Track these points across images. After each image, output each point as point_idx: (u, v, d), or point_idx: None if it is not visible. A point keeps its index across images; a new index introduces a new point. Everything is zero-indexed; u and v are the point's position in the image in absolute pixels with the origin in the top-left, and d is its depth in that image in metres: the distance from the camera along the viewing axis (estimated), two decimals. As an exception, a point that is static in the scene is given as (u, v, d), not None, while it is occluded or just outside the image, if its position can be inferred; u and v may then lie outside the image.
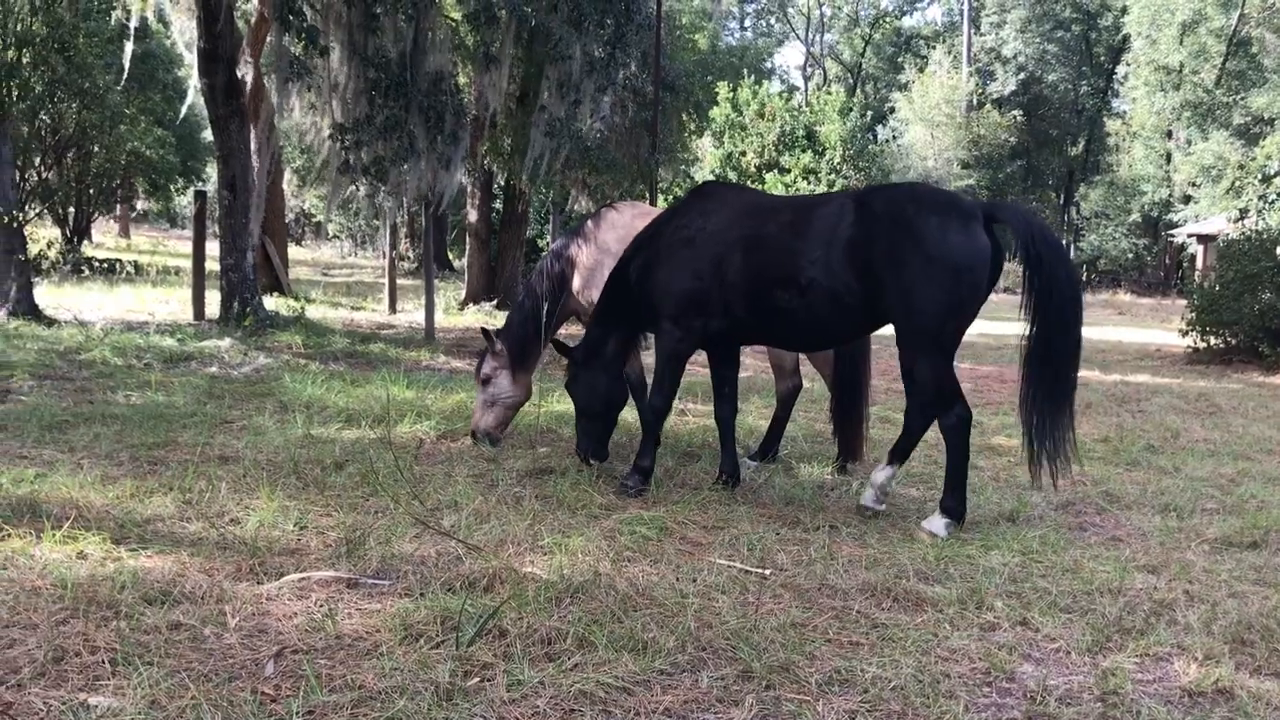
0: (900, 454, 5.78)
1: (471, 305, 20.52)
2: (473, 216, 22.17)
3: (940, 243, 5.17)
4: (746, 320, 5.86)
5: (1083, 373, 13.46)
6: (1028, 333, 5.29)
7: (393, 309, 18.91)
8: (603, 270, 6.96)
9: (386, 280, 19.77)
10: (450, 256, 38.24)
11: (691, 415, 8.64)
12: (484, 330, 7.36)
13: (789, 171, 33.49)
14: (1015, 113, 51.33)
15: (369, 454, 6.58)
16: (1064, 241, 55.51)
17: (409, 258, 34.47)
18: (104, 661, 3.40)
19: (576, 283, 7.26)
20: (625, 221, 7.18)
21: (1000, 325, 19.53)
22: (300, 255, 39.39)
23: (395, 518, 5.21)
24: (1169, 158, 44.51)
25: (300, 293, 19.70)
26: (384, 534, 4.94)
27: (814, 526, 5.53)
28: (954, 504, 5.50)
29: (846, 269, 5.40)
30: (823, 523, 5.60)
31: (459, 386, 9.84)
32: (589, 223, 7.45)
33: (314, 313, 16.50)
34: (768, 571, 4.67)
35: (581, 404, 6.48)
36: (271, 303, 16.29)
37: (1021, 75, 54.02)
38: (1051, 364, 5.27)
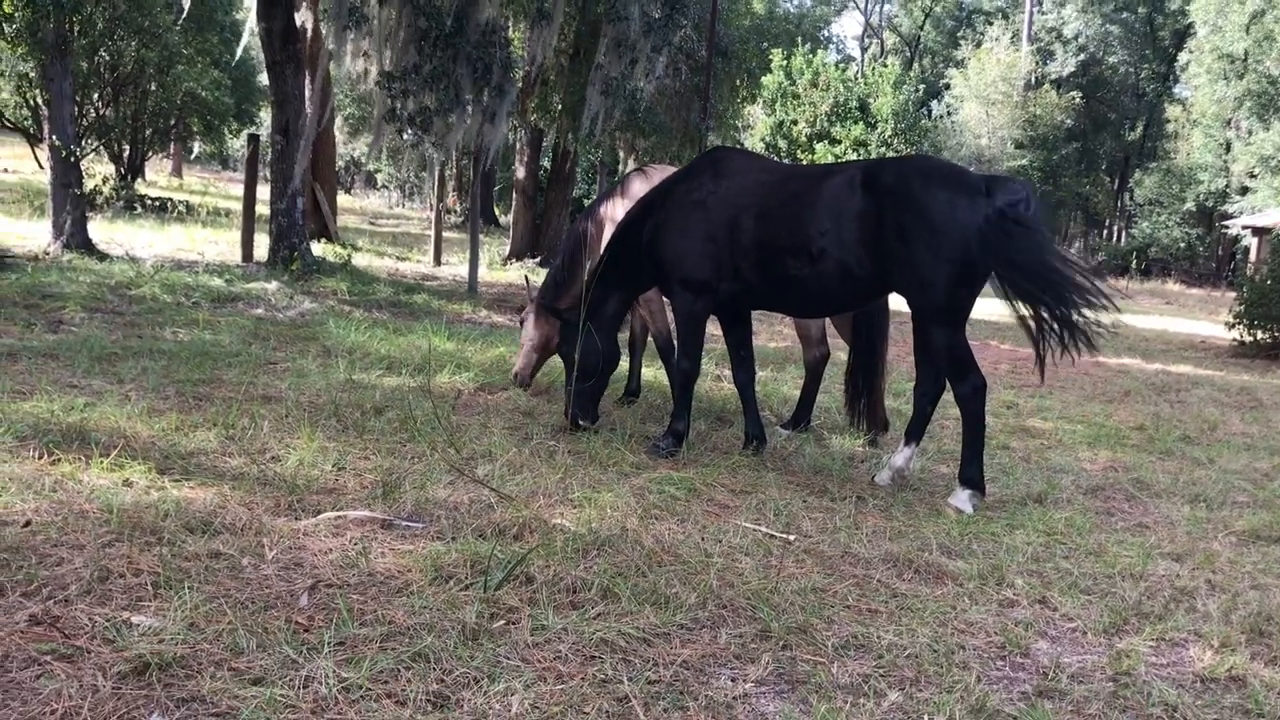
0: (916, 433, 5.88)
1: (515, 261, 20.58)
2: (520, 173, 22.24)
3: (947, 216, 5.21)
4: (757, 285, 5.92)
5: (1123, 360, 13.58)
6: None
7: (437, 261, 18.99)
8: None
9: (433, 232, 19.91)
10: (496, 212, 38.34)
11: (727, 381, 8.71)
12: (526, 279, 7.75)
13: (839, 143, 33.20)
14: (1073, 94, 50.38)
15: (408, 401, 6.67)
16: (1115, 228, 54.67)
17: (456, 211, 34.45)
18: (146, 584, 3.51)
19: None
20: (655, 184, 7.13)
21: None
22: (348, 204, 39.48)
23: (431, 464, 5.28)
24: (1228, 147, 43.61)
25: (347, 240, 19.78)
26: (419, 479, 5.01)
27: (841, 496, 5.56)
28: (974, 474, 5.53)
29: (857, 242, 5.46)
30: (850, 493, 5.63)
31: (499, 341, 9.92)
32: (620, 185, 7.55)
33: (360, 261, 16.59)
34: (792, 536, 4.71)
35: (574, 365, 6.48)
36: (319, 249, 16.40)
37: (1082, 56, 53.02)
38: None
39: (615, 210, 7.32)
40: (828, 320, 7.39)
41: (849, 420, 7.25)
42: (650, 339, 7.90)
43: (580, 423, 6.47)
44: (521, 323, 7.58)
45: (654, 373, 8.79)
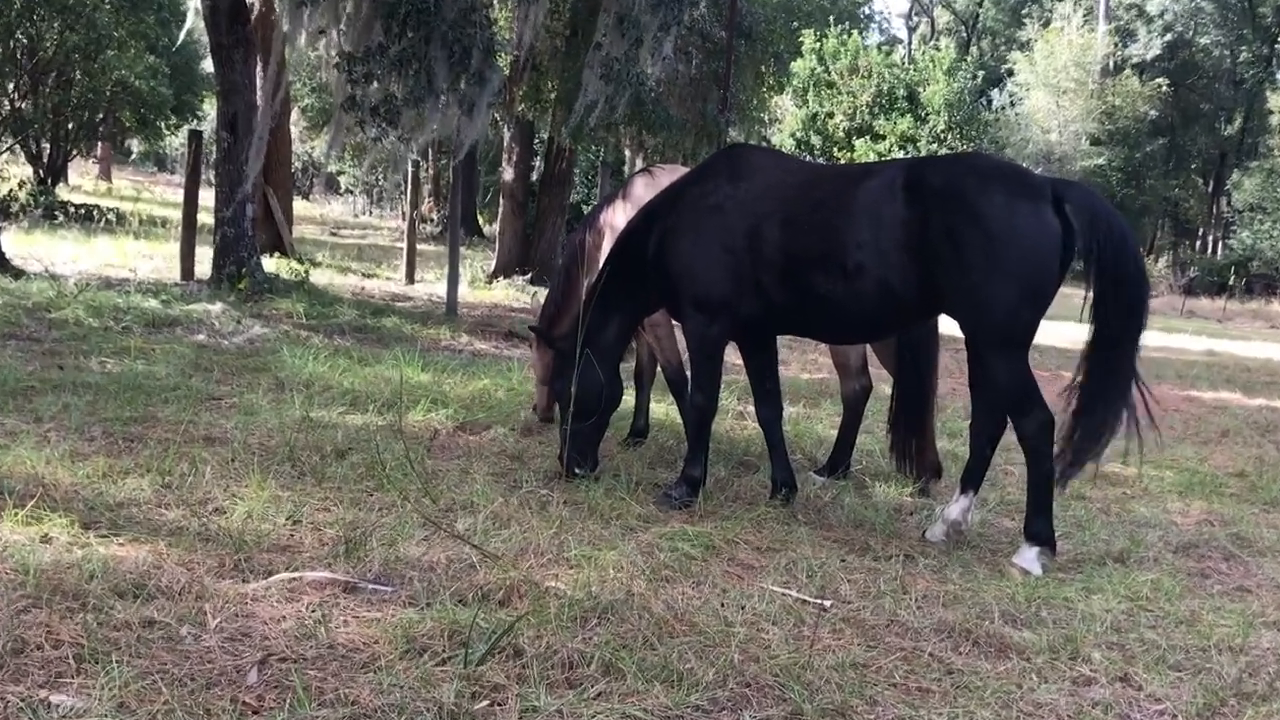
0: (974, 478, 5.88)
1: (502, 278, 20.54)
2: (508, 175, 22.27)
3: (1006, 223, 5.25)
4: (783, 306, 5.96)
5: (1220, 394, 13.52)
6: (1089, 337, 5.49)
7: (410, 278, 19.05)
8: None
9: (405, 245, 19.86)
10: (480, 220, 38.31)
11: (750, 419, 8.74)
12: (535, 299, 7.63)
13: (883, 139, 33.36)
14: (1159, 81, 50.57)
15: (375, 443, 6.67)
16: (1210, 238, 54.65)
17: (432, 220, 34.51)
18: (68, 657, 3.49)
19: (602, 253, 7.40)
20: (663, 187, 7.14)
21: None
22: (306, 211, 39.64)
23: (402, 516, 5.28)
24: (1344, 144, 43.67)
25: (305, 254, 19.80)
26: (388, 534, 5.01)
27: (886, 555, 5.55)
28: (1043, 529, 5.52)
29: (899, 254, 5.49)
30: (896, 551, 5.62)
31: (482, 372, 9.96)
32: (623, 188, 7.61)
33: (319, 278, 16.61)
34: (828, 603, 4.69)
35: (570, 402, 6.46)
36: (271, 264, 16.44)
37: (1168, 36, 53.19)
38: (1109, 373, 5.42)
39: (617, 218, 7.37)
40: (868, 347, 7.43)
41: (895, 465, 7.25)
42: (659, 370, 7.93)
43: (578, 469, 6.48)
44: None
45: (664, 409, 8.77)
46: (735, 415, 9.10)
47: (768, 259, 5.90)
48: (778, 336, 6.58)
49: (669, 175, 7.34)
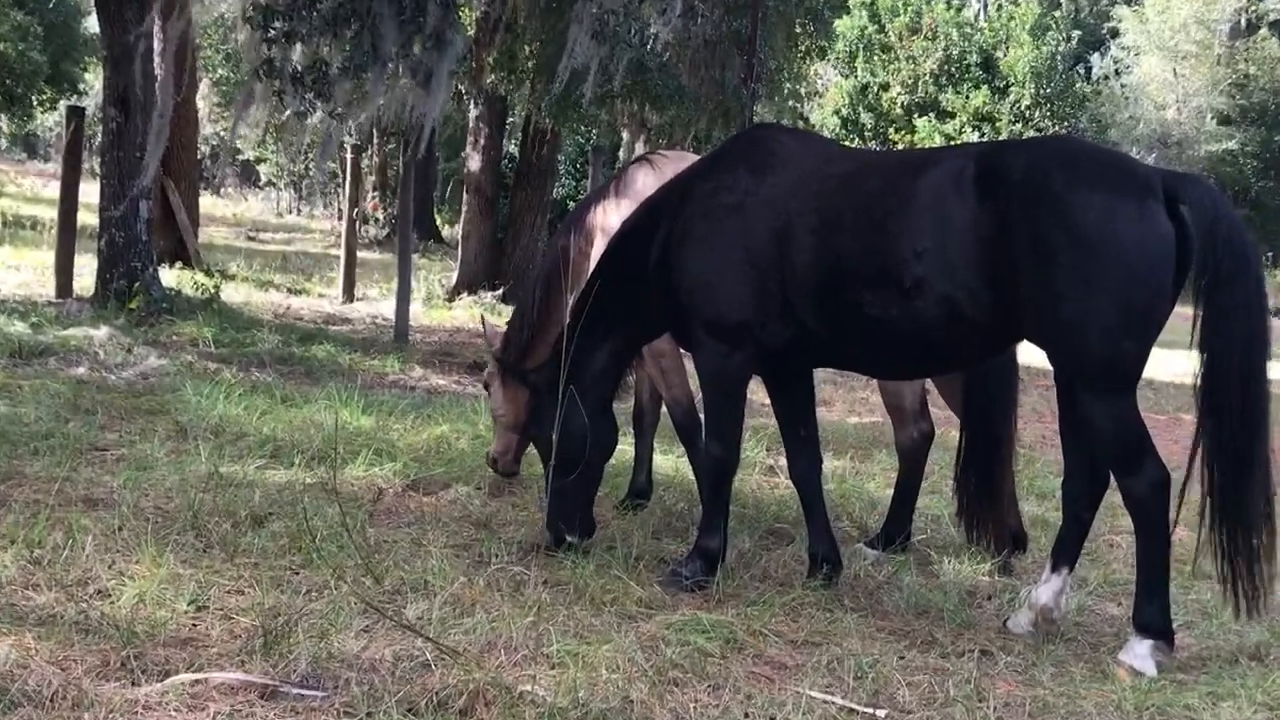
0: (1069, 552, 5.88)
1: (466, 294, 20.40)
2: (474, 164, 22.14)
3: (1107, 228, 5.24)
4: (820, 332, 5.98)
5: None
6: (1197, 370, 5.44)
7: (349, 295, 18.99)
8: None
9: (342, 252, 19.64)
10: (439, 221, 38.22)
11: (782, 475, 8.61)
12: (483, 319, 7.68)
13: (952, 116, 33.45)
14: (1304, 44, 50.59)
15: (303, 506, 6.60)
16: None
17: (377, 220, 34.28)
18: (-93, 782, 3.44)
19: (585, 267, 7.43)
20: (667, 179, 7.19)
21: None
22: (218, 209, 39.11)
23: (336, 601, 5.25)
24: None
25: (214, 265, 19.64)
26: (319, 623, 4.97)
27: (956, 651, 5.50)
28: (1155, 617, 5.48)
29: (970, 267, 5.50)
30: (969, 645, 5.57)
31: (440, 415, 9.91)
32: (617, 180, 7.66)
33: (233, 294, 16.50)
34: (882, 712, 4.64)
35: (551, 451, 6.50)
36: (172, 276, 16.34)
37: (1317, -13, 53.32)
38: (1222, 419, 5.38)
39: (609, 218, 7.41)
40: (928, 383, 7.42)
41: (966, 534, 7.21)
42: (664, 411, 7.94)
43: (563, 538, 6.51)
44: (488, 388, 7.77)
45: (672, 462, 8.76)
46: (763, 470, 9.04)
47: (801, 272, 5.93)
48: (814, 370, 6.60)
49: (675, 164, 7.34)
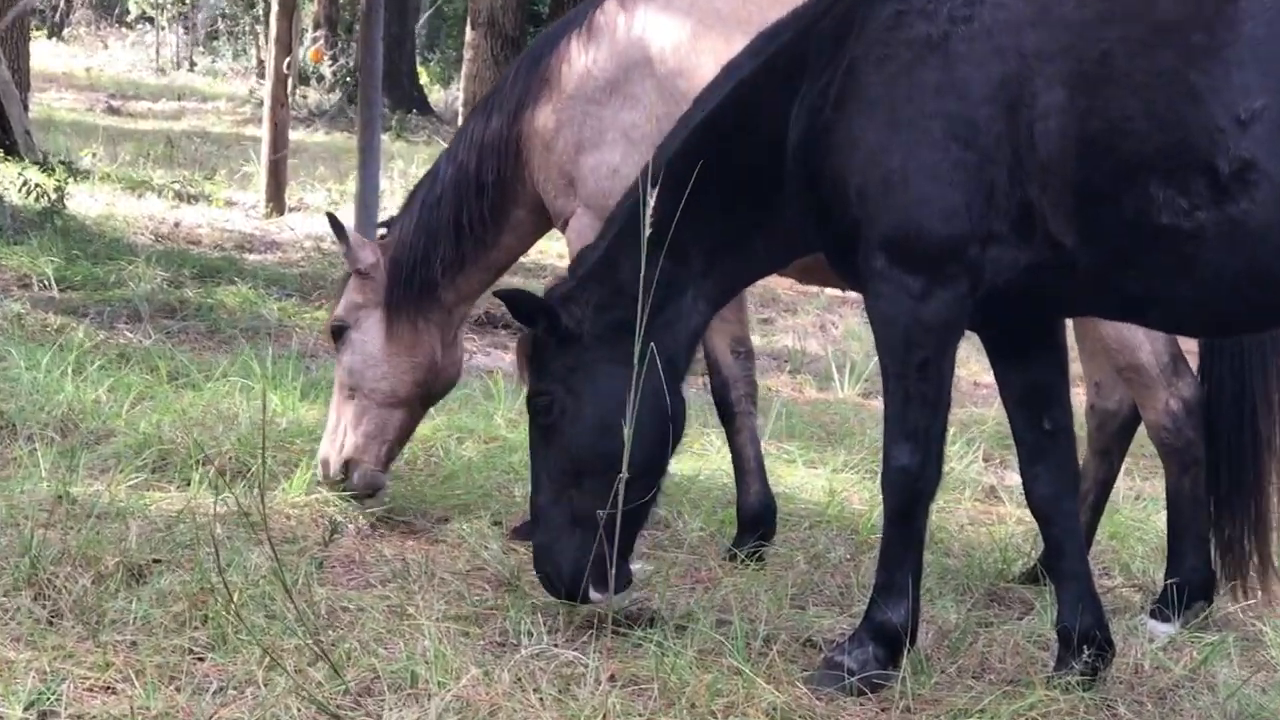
0: None
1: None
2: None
3: None
4: (1079, 256, 4.93)
5: None
6: None
7: (277, 204, 16.58)
8: (641, 125, 6.11)
9: (265, 133, 17.80)
10: (424, 78, 34.66)
11: (1011, 498, 7.55)
12: (331, 217, 6.81)
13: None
14: None
15: (210, 550, 5.38)
16: None
17: (322, 79, 30.37)
18: None
19: (560, 145, 6.42)
20: None
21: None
22: (61, 62, 34.62)
23: (268, 705, 4.27)
24: None
25: (57, 154, 16.97)
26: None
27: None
28: None
29: None
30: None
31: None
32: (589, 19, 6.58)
33: (86, 203, 14.89)
34: None
35: (574, 444, 5.44)
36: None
37: None
38: None
39: (586, 62, 6.38)
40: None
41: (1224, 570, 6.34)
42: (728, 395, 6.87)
43: (592, 599, 5.41)
44: (332, 320, 6.76)
45: (815, 474, 7.68)
46: (980, 492, 7.81)
47: (1046, 154, 4.81)
48: (1059, 323, 5.47)
49: None
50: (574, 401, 5.42)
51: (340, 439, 6.61)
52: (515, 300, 5.51)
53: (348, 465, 6.58)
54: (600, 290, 5.34)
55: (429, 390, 6.68)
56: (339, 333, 6.66)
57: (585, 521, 5.40)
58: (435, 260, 6.48)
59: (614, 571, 5.41)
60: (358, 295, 6.64)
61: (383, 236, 6.86)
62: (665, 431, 5.38)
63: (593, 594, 5.37)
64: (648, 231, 5.14)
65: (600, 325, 5.36)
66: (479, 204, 6.47)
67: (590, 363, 5.41)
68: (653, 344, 5.19)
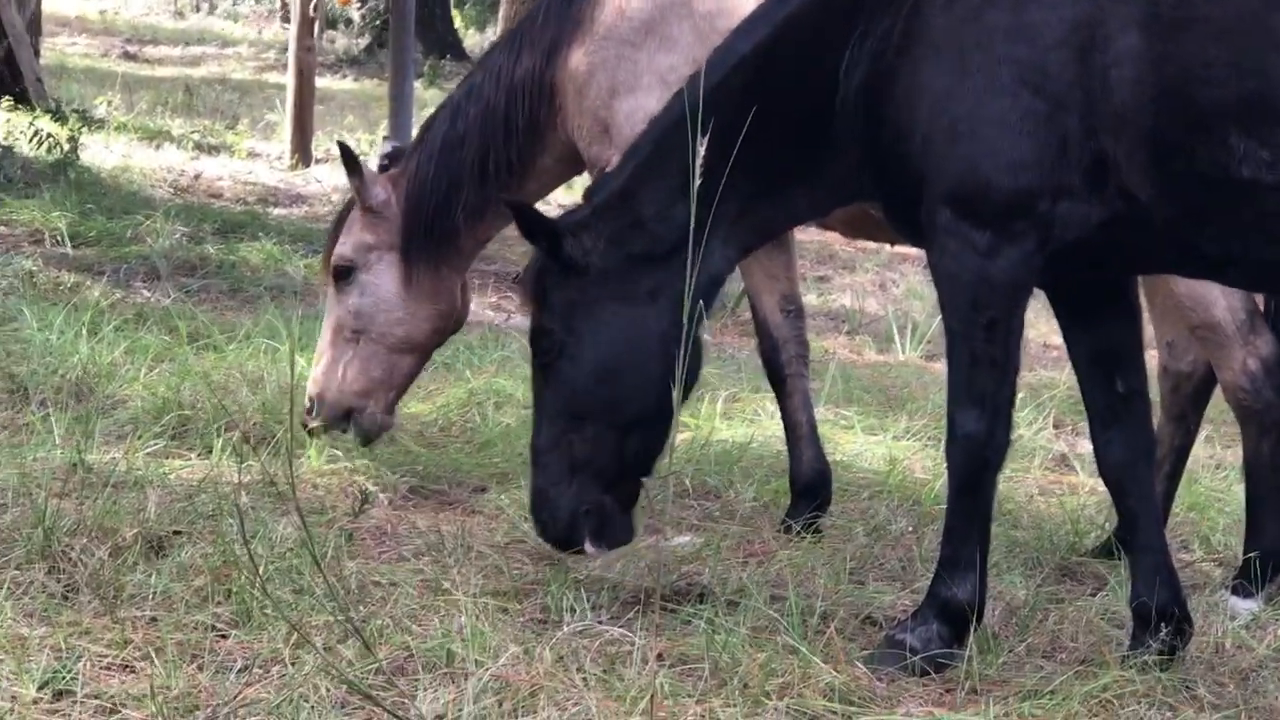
0: None
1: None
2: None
3: None
4: (1156, 211, 4.86)
5: None
6: None
7: (303, 155, 16.77)
8: (680, 69, 5.97)
9: (290, 80, 17.48)
10: (458, 22, 34.43)
11: (1083, 467, 7.40)
12: (343, 146, 6.68)
13: None
14: None
15: (233, 522, 5.32)
16: None
17: (350, 22, 30.50)
18: None
19: (594, 90, 6.31)
20: None
21: None
22: (75, 5, 34.89)
23: (296, 685, 4.19)
24: None
25: (70, 102, 17.43)
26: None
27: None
28: None
29: None
30: None
31: (467, 364, 8.61)
32: None
33: (101, 153, 14.91)
34: None
35: (572, 386, 5.34)
36: None
37: None
38: None
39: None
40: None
41: None
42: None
43: (590, 550, 5.40)
44: (336, 260, 6.62)
45: (876, 441, 7.61)
46: (1050, 461, 7.69)
47: (1121, 102, 4.76)
48: (1132, 281, 5.44)
49: None
50: (574, 341, 5.34)
51: (339, 380, 6.56)
52: (521, 211, 5.38)
53: (350, 411, 6.56)
54: (616, 222, 5.19)
55: (445, 336, 6.72)
56: (345, 273, 6.59)
57: (583, 468, 5.36)
58: (456, 207, 6.40)
59: (621, 524, 5.39)
60: (369, 235, 6.57)
61: (386, 169, 6.72)
62: (667, 377, 5.16)
63: (588, 546, 5.34)
64: (697, 181, 4.86)
65: (612, 259, 5.24)
66: (506, 149, 6.35)
67: (594, 299, 5.30)
68: (669, 285, 5.12)
